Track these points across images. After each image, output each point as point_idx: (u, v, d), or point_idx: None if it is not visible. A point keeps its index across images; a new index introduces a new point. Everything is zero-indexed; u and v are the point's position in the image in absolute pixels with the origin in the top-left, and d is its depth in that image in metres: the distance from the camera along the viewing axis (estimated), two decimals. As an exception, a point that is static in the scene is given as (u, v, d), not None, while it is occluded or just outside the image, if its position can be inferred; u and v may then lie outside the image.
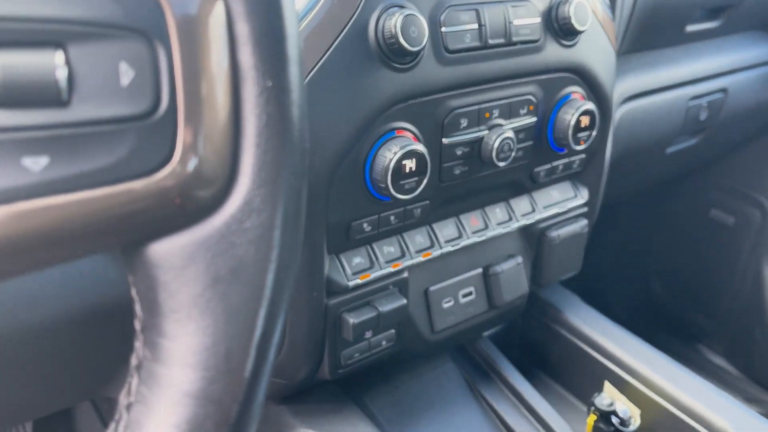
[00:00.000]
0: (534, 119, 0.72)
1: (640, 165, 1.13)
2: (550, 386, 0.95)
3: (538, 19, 0.68)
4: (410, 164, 0.60)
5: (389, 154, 0.59)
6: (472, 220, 0.76)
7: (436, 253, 0.72)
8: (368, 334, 0.69)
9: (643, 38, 0.95)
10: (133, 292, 0.27)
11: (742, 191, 1.36)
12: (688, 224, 1.44)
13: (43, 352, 0.60)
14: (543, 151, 0.75)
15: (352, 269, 0.66)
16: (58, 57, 0.22)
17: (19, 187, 0.22)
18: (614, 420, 0.78)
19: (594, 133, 0.74)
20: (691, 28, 1.02)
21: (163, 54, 0.23)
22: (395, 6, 0.58)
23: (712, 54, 1.10)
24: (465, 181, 0.69)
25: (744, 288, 1.36)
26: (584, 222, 0.86)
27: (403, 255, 0.70)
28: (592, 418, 0.80)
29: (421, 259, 0.71)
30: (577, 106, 0.72)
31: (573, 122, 0.72)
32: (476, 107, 0.66)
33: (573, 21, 0.68)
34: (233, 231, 0.26)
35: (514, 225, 0.79)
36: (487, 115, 0.67)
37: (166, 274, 0.25)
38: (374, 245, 0.68)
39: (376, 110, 0.59)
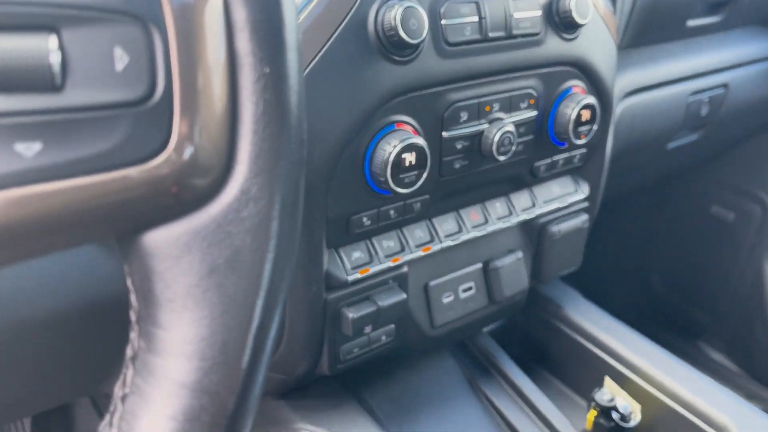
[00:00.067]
0: (534, 113, 0.71)
1: (641, 160, 1.13)
2: (550, 382, 0.95)
3: (539, 12, 0.68)
4: (410, 158, 0.59)
5: (389, 148, 0.58)
6: (472, 215, 0.75)
7: (435, 247, 0.72)
8: (368, 329, 0.69)
9: (645, 33, 0.95)
10: (128, 282, 0.27)
11: (743, 187, 1.35)
12: (689, 220, 1.44)
13: (41, 348, 0.60)
14: (543, 145, 0.75)
15: (352, 264, 0.66)
16: (52, 41, 0.21)
17: (11, 173, 0.21)
18: (615, 415, 0.78)
19: (595, 127, 0.74)
20: (692, 22, 1.02)
21: (159, 39, 0.23)
22: None
23: (713, 49, 1.09)
24: (465, 176, 0.69)
25: (744, 284, 1.36)
26: (585, 217, 0.86)
27: (402, 249, 0.69)
28: (592, 414, 0.79)
29: (420, 253, 0.71)
30: (577, 100, 0.72)
31: (574, 116, 0.71)
32: (476, 101, 0.66)
33: (574, 14, 0.68)
34: (230, 220, 0.25)
35: (515, 220, 0.78)
36: (488, 108, 0.67)
37: (162, 263, 0.25)
38: (374, 240, 0.68)
39: (376, 103, 0.59)
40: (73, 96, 0.22)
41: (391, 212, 0.66)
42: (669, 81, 1.02)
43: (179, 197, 0.24)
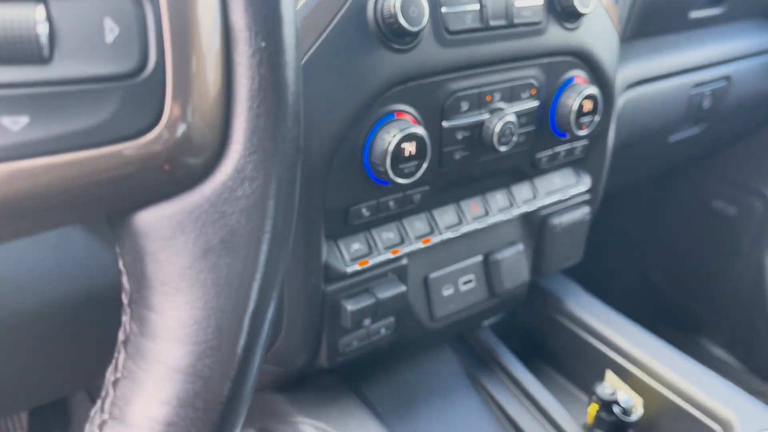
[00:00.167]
0: (536, 103, 0.71)
1: (643, 153, 1.12)
2: (551, 376, 0.94)
3: (541, 1, 0.67)
4: (410, 148, 0.58)
5: (388, 137, 0.58)
6: (472, 207, 0.75)
7: (435, 239, 0.71)
8: (367, 322, 0.68)
9: (647, 24, 0.94)
10: (120, 263, 0.26)
11: (745, 182, 1.35)
12: (690, 215, 1.43)
13: (36, 341, 0.60)
14: (545, 136, 0.74)
15: (351, 255, 0.65)
16: (39, 11, 0.21)
17: None
18: (616, 409, 0.77)
19: (597, 118, 0.73)
20: (694, 14, 1.01)
21: (151, 10, 0.22)
22: None
23: (715, 41, 1.08)
24: (465, 166, 0.68)
25: (745, 279, 1.35)
26: (586, 209, 0.85)
27: (402, 241, 0.69)
28: (593, 408, 0.79)
29: (420, 245, 0.70)
30: (579, 91, 0.71)
31: (575, 107, 0.71)
32: (477, 90, 0.65)
33: (576, 3, 0.67)
34: (224, 199, 0.25)
35: (515, 211, 0.78)
36: (489, 98, 0.66)
37: (154, 244, 0.24)
38: (373, 231, 0.67)
39: (375, 92, 0.58)
40: (61, 68, 0.21)
41: (391, 203, 0.65)
42: (671, 73, 1.01)
43: (172, 176, 0.24)
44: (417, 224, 0.70)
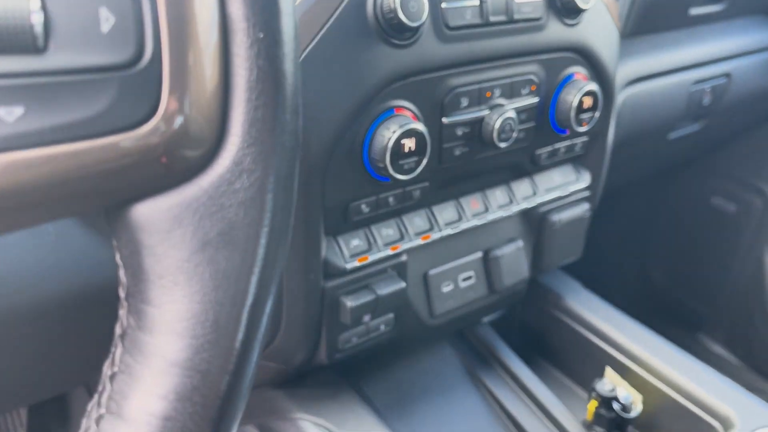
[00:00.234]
0: (536, 99, 0.70)
1: (643, 150, 1.12)
2: (550, 373, 0.94)
3: (541, -3, 0.67)
4: (409, 144, 0.58)
5: (388, 133, 0.57)
6: (472, 203, 0.74)
7: (435, 236, 0.71)
8: (366, 318, 0.68)
9: (647, 20, 0.94)
10: (117, 257, 0.26)
11: (744, 179, 1.35)
12: (690, 211, 1.43)
13: (36, 337, 0.59)
14: (545, 132, 0.74)
15: (350, 251, 0.65)
16: (33, 1, 0.20)
17: None
18: (615, 406, 0.77)
19: (597, 114, 0.73)
20: (694, 11, 1.01)
21: (147, 0, 0.22)
22: None
23: (715, 38, 1.08)
24: (465, 163, 0.68)
25: (744, 276, 1.35)
26: (586, 206, 0.85)
27: (401, 238, 0.69)
28: (593, 404, 0.79)
29: (420, 242, 0.70)
30: (579, 87, 0.71)
31: (575, 103, 0.70)
32: (477, 86, 0.65)
33: (576, -1, 0.67)
34: (222, 192, 0.24)
35: (515, 208, 0.78)
36: (488, 94, 0.66)
37: (152, 237, 0.24)
38: (372, 227, 0.67)
39: (375, 88, 0.58)
40: (56, 58, 0.21)
41: (391, 199, 0.65)
42: (671, 70, 1.01)
43: (169, 168, 0.23)
44: (416, 221, 0.70)
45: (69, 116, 0.21)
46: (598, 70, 0.76)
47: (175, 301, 0.25)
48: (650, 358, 0.81)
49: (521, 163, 0.76)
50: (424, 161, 0.60)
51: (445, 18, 0.60)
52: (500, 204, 0.76)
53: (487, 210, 0.75)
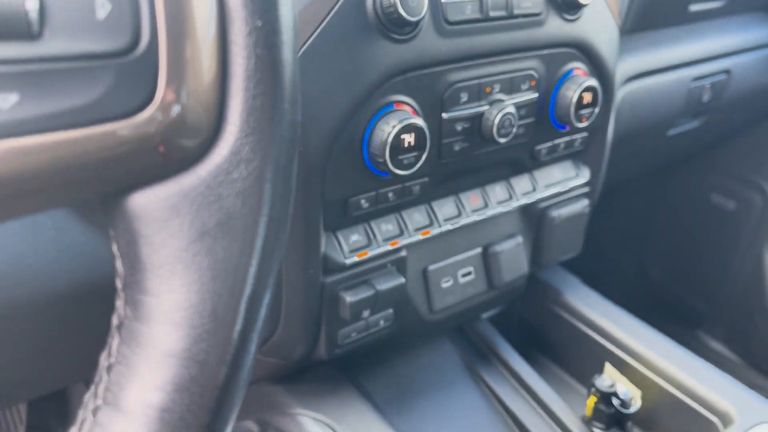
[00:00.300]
0: (536, 95, 0.70)
1: (642, 147, 1.12)
2: (549, 368, 0.94)
3: (540, -8, 0.66)
4: (409, 139, 0.58)
5: (387, 128, 0.57)
6: (471, 199, 0.74)
7: (435, 231, 0.71)
8: (366, 313, 0.68)
9: (647, 16, 0.94)
10: (114, 247, 0.26)
11: (744, 176, 1.35)
12: (689, 209, 1.43)
13: (36, 332, 0.59)
14: (544, 128, 0.74)
15: (350, 247, 0.65)
16: None
17: None
18: (615, 401, 0.77)
19: (596, 110, 0.73)
20: (694, 7, 1.01)
21: None
22: None
23: (715, 34, 1.08)
24: (465, 158, 0.68)
25: (744, 273, 1.35)
26: (585, 202, 0.85)
27: (401, 233, 0.68)
28: (592, 400, 0.79)
29: (419, 237, 0.70)
30: (579, 83, 0.71)
31: (575, 99, 0.70)
32: (477, 81, 0.65)
33: (576, -6, 0.67)
34: (220, 182, 0.24)
35: (515, 204, 0.77)
36: (488, 90, 0.66)
37: (149, 227, 0.24)
38: (372, 223, 0.67)
39: (374, 83, 0.57)
40: (51, 45, 0.21)
41: (390, 195, 0.65)
42: (671, 66, 1.01)
43: (167, 157, 0.23)
44: (416, 216, 0.70)
45: (64, 103, 0.21)
46: (597, 66, 0.76)
47: (172, 291, 0.25)
48: (649, 354, 0.81)
49: (521, 159, 0.76)
50: (424, 156, 0.60)
51: (444, 13, 0.60)
52: (500, 200, 0.76)
53: (486, 206, 0.75)
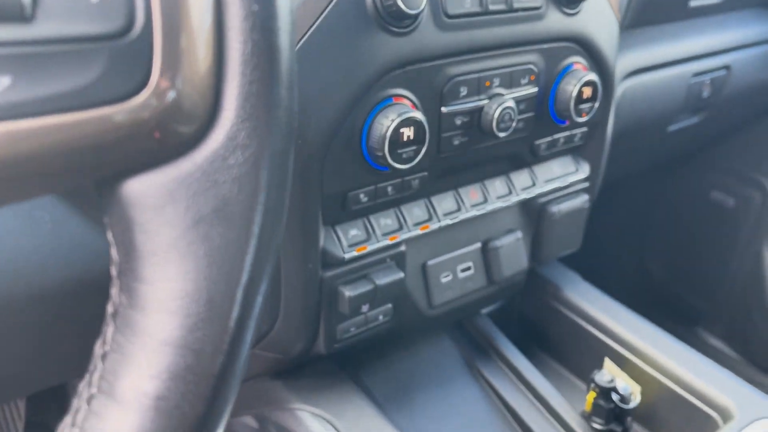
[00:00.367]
0: (535, 89, 0.70)
1: (642, 143, 1.12)
2: (549, 364, 0.94)
3: (540, -14, 0.66)
4: (408, 132, 0.58)
5: (386, 122, 0.57)
6: (471, 194, 0.74)
7: (434, 226, 0.71)
8: (365, 308, 0.68)
9: (647, 12, 0.93)
10: (109, 235, 0.25)
11: (743, 173, 1.34)
12: (689, 205, 1.43)
13: (34, 327, 0.59)
14: (544, 122, 0.74)
15: (349, 241, 0.64)
16: None
17: None
18: (614, 397, 0.77)
19: (596, 105, 0.73)
20: (694, 2, 1.00)
21: None
22: None
23: (715, 30, 1.08)
24: (464, 152, 0.68)
25: (743, 270, 1.35)
26: (585, 197, 0.85)
27: (400, 228, 0.68)
28: (591, 395, 0.79)
29: (418, 232, 0.69)
30: (579, 77, 0.70)
31: (575, 93, 0.70)
32: (476, 75, 0.64)
33: (576, -12, 0.67)
34: (216, 168, 0.24)
35: (514, 199, 0.77)
36: (488, 84, 0.66)
37: (144, 214, 0.24)
38: (371, 217, 0.67)
39: (373, 76, 0.57)
40: (44, 27, 0.20)
41: (389, 189, 0.64)
42: (671, 62, 1.01)
43: (162, 143, 0.23)
44: (415, 211, 0.70)
45: (57, 86, 0.21)
46: (597, 61, 0.75)
47: (168, 279, 0.24)
48: (649, 350, 0.81)
49: (520, 154, 0.76)
50: (423, 150, 0.60)
51: (444, 6, 0.60)
52: (499, 195, 0.76)
53: (486, 200, 0.75)
